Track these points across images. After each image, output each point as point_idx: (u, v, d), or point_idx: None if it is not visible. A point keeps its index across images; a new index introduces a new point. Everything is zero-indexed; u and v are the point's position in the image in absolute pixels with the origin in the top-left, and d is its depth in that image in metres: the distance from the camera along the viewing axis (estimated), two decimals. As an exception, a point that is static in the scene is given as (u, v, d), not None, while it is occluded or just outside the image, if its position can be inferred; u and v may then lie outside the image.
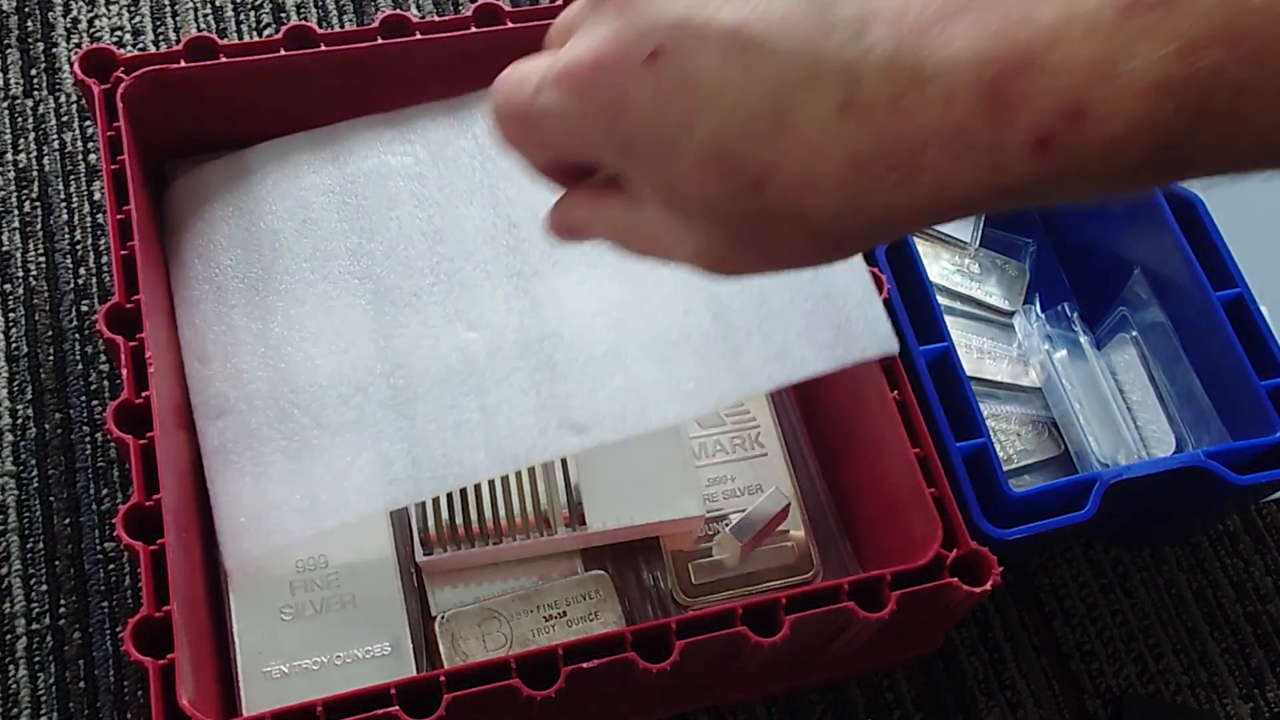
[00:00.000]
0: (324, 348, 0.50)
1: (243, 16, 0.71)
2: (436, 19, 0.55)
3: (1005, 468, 0.54)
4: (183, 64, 0.52)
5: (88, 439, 0.58)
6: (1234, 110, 0.25)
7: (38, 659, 0.54)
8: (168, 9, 0.71)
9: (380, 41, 0.54)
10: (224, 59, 0.53)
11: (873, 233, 0.31)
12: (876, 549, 0.52)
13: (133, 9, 0.71)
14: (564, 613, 0.50)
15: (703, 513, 0.51)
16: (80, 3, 0.70)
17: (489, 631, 0.49)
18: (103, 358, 0.60)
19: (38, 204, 0.64)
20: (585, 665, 0.43)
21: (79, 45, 0.69)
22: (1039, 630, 0.59)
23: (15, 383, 0.60)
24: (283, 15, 0.71)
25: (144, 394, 0.46)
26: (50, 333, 0.61)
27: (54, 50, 0.69)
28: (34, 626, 0.55)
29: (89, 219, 0.64)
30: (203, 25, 0.71)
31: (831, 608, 0.45)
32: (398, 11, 0.55)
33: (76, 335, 0.61)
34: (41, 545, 0.56)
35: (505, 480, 0.49)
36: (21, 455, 0.58)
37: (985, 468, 0.51)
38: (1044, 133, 0.26)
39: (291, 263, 0.52)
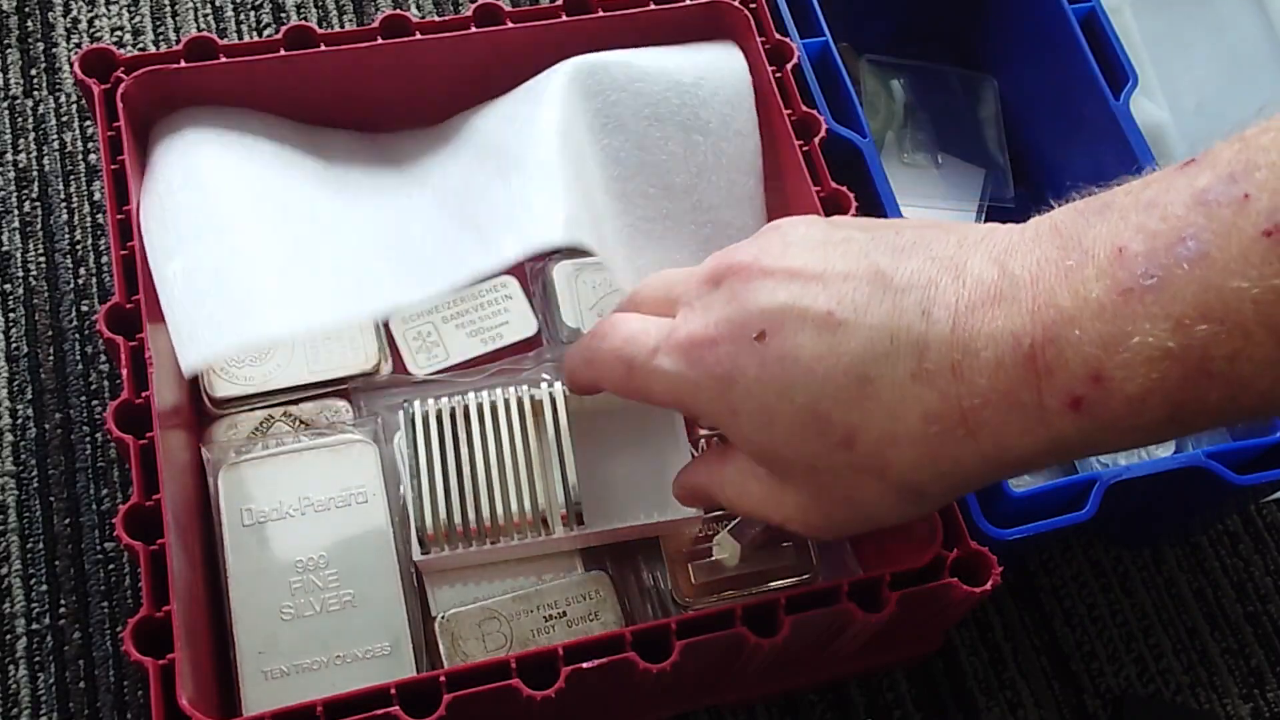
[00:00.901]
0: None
1: (243, 16, 0.71)
2: (436, 19, 0.55)
3: (1005, 468, 0.54)
4: (183, 64, 0.52)
5: (88, 439, 0.58)
6: (1232, 374, 0.29)
7: (38, 659, 0.54)
8: (168, 9, 0.71)
9: (380, 41, 0.54)
10: (224, 59, 0.53)
11: (945, 483, 0.36)
12: (876, 549, 0.52)
13: (133, 9, 0.71)
14: (564, 613, 0.50)
15: (702, 513, 0.51)
16: (80, 3, 0.70)
17: (489, 631, 0.49)
18: (103, 358, 0.60)
19: (38, 204, 0.64)
20: (585, 665, 0.43)
21: (79, 45, 0.69)
22: (1039, 630, 0.59)
23: (15, 383, 0.60)
24: (283, 15, 0.71)
25: (144, 394, 0.46)
26: (50, 333, 0.61)
27: (54, 50, 0.69)
28: (34, 626, 0.55)
29: (89, 219, 0.64)
30: (203, 25, 0.71)
31: (831, 608, 0.45)
32: (398, 11, 0.55)
33: (76, 335, 0.61)
34: (41, 545, 0.56)
35: (504, 479, 0.49)
36: (21, 455, 0.58)
37: (985, 468, 0.51)
38: (1076, 394, 0.31)
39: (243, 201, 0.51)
